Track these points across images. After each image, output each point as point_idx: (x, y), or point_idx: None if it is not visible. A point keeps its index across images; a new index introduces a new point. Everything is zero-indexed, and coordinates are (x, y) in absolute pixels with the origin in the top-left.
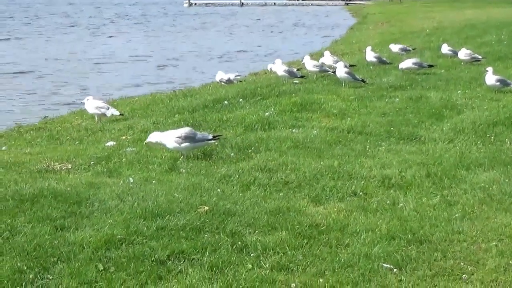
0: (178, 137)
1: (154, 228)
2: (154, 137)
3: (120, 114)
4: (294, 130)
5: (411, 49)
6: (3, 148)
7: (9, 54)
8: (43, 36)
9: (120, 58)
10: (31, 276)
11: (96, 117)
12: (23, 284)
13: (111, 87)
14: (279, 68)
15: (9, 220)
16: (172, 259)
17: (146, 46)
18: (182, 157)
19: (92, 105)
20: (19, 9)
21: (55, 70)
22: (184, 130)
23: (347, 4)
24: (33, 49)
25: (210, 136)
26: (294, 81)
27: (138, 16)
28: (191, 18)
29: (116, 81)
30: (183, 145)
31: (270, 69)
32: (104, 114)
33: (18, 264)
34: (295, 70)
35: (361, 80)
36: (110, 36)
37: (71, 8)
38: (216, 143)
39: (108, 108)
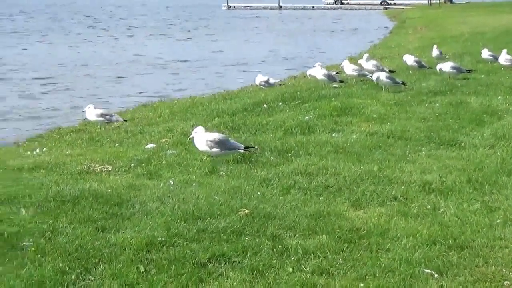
0: (211, 141)
1: (195, 230)
2: (196, 131)
3: (124, 120)
4: (333, 134)
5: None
6: (44, 150)
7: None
8: (109, 38)
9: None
10: (73, 277)
11: (99, 124)
12: (65, 284)
13: (165, 89)
14: (318, 72)
15: (51, 221)
16: (213, 262)
17: (193, 49)
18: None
19: (95, 113)
20: (62, 10)
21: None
22: (218, 136)
23: (386, 8)
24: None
25: (242, 146)
26: (333, 85)
27: (175, 19)
28: (230, 21)
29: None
30: (214, 150)
31: (309, 75)
32: (110, 121)
33: (60, 264)
34: (334, 74)
35: (401, 83)
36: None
37: (102, 11)
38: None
39: (112, 115)
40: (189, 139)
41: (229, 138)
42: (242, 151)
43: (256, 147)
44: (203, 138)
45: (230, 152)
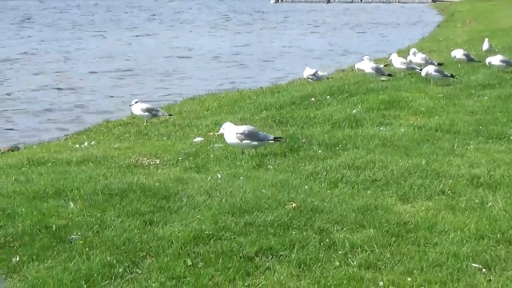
0: (240, 134)
1: (242, 224)
2: (224, 127)
3: (169, 115)
4: (381, 128)
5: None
6: (92, 143)
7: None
8: (169, 31)
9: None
10: (120, 270)
11: (145, 119)
12: (113, 278)
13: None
14: (366, 65)
15: (99, 214)
16: (260, 256)
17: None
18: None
19: (140, 107)
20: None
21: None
22: (247, 128)
23: (434, 1)
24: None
25: (271, 137)
26: (382, 79)
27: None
28: (278, 15)
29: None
30: (244, 142)
31: (357, 68)
32: (155, 116)
33: (108, 258)
34: (382, 67)
35: (450, 76)
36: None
37: (155, 4)
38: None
39: (158, 110)
40: (218, 135)
41: (258, 130)
42: (272, 141)
43: (284, 138)
44: (232, 131)
45: (260, 143)
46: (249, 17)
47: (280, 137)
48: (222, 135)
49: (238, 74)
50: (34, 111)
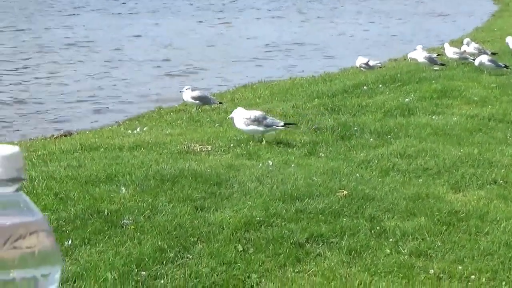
0: (247, 119)
1: (293, 211)
2: (235, 111)
3: (219, 103)
4: (433, 117)
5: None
6: (145, 129)
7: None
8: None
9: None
10: (171, 255)
11: (195, 106)
12: (164, 262)
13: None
14: (419, 54)
15: (151, 200)
16: (311, 242)
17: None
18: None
19: (191, 95)
20: None
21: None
22: (254, 113)
23: None
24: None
25: (281, 123)
26: (434, 68)
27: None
28: (337, 3)
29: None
30: (250, 127)
31: (410, 58)
32: (206, 103)
33: (159, 243)
34: (435, 57)
35: (504, 66)
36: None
37: None
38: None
39: (209, 97)
40: (228, 118)
41: (267, 115)
42: (281, 127)
43: (295, 123)
44: (240, 116)
45: (268, 129)
46: (308, 4)
47: (291, 123)
48: (232, 119)
49: (292, 62)
50: (91, 96)
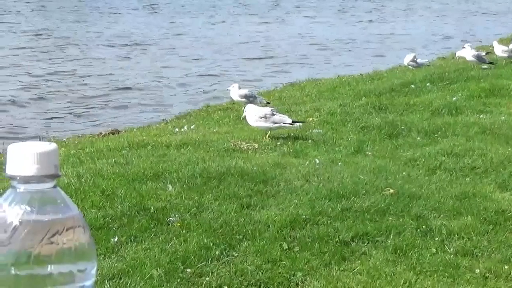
0: (256, 115)
1: (339, 209)
2: (245, 109)
3: (267, 103)
4: (481, 116)
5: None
6: (192, 127)
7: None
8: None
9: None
10: (217, 252)
11: (242, 104)
12: (209, 260)
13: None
14: (467, 53)
15: (197, 197)
16: (356, 241)
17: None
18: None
19: (238, 93)
20: None
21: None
22: (263, 110)
23: None
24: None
25: (289, 120)
26: (483, 67)
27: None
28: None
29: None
30: (258, 123)
31: (458, 56)
32: (252, 102)
33: (205, 240)
34: (483, 55)
35: None
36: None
37: None
38: (298, 127)
39: (256, 97)
40: (242, 118)
41: (276, 112)
42: (288, 125)
43: (305, 121)
44: (251, 113)
45: (275, 125)
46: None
47: (299, 121)
48: (245, 117)
49: (342, 60)
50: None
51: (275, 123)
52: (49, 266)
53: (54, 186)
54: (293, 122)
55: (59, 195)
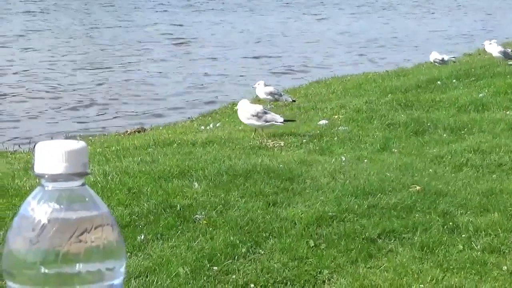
0: (248, 112)
1: (366, 206)
2: (238, 104)
3: (292, 101)
4: (508, 112)
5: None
6: (218, 125)
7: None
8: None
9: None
10: (243, 250)
11: (267, 102)
12: (235, 257)
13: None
14: (494, 49)
15: (223, 195)
16: (383, 238)
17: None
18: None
19: (264, 90)
20: None
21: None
22: (255, 108)
23: None
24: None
25: (281, 119)
26: (509, 63)
27: None
28: None
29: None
30: (249, 121)
31: (484, 48)
32: (277, 100)
33: (231, 238)
34: (510, 51)
35: None
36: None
37: None
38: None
39: (281, 94)
40: (234, 110)
41: (268, 111)
42: (280, 124)
43: (295, 120)
44: (243, 110)
45: (267, 124)
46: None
47: (290, 120)
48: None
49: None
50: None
51: (267, 121)
52: (77, 264)
53: (83, 184)
54: (285, 121)
55: (87, 193)
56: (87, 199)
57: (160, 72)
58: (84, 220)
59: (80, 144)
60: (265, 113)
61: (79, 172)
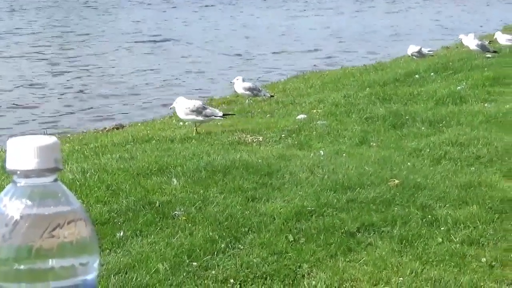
0: (187, 108)
1: (344, 200)
2: (177, 101)
3: (271, 96)
4: (486, 105)
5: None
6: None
7: None
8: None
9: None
10: (222, 245)
11: (245, 97)
12: (215, 253)
13: None
14: (471, 42)
15: (202, 191)
16: (362, 231)
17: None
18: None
19: (242, 86)
20: None
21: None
22: (194, 103)
23: None
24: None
25: (220, 113)
26: (487, 55)
27: None
28: None
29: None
30: (189, 116)
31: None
32: (256, 96)
33: (210, 233)
34: (487, 44)
35: None
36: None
37: None
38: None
39: (260, 90)
40: (170, 108)
41: (206, 106)
42: (220, 117)
43: (234, 114)
44: (181, 106)
45: (207, 119)
46: None
47: (229, 113)
48: (174, 108)
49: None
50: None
51: (207, 116)
52: (50, 260)
53: (55, 180)
54: (224, 115)
55: (60, 188)
56: (59, 194)
57: (137, 69)
58: (57, 215)
59: (52, 139)
60: (204, 108)
61: (51, 168)
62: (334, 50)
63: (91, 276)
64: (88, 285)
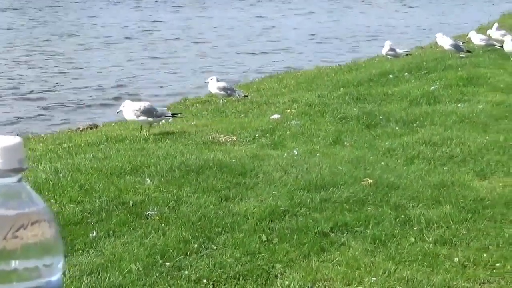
0: (137, 110)
1: (318, 200)
2: (124, 104)
3: (245, 96)
4: (459, 105)
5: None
6: (170, 120)
7: None
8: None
9: None
10: (195, 245)
11: (219, 97)
12: (188, 253)
13: None
14: (445, 42)
15: (175, 190)
16: (335, 231)
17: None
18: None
19: (216, 86)
20: None
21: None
22: (143, 104)
23: None
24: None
25: (169, 113)
26: (460, 55)
27: None
28: None
29: None
30: (140, 118)
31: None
32: (230, 95)
33: (184, 233)
34: (461, 44)
35: None
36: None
37: None
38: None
39: (234, 89)
40: (117, 112)
41: (155, 106)
42: (169, 117)
43: (182, 113)
44: (129, 108)
45: (157, 119)
46: None
47: (177, 113)
48: (121, 112)
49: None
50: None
51: (158, 116)
52: (14, 261)
53: (19, 180)
54: (173, 114)
55: (24, 189)
56: (23, 195)
57: (111, 71)
58: (21, 216)
59: (16, 139)
60: (155, 109)
61: (15, 168)
62: (309, 50)
63: (55, 277)
64: (53, 286)
